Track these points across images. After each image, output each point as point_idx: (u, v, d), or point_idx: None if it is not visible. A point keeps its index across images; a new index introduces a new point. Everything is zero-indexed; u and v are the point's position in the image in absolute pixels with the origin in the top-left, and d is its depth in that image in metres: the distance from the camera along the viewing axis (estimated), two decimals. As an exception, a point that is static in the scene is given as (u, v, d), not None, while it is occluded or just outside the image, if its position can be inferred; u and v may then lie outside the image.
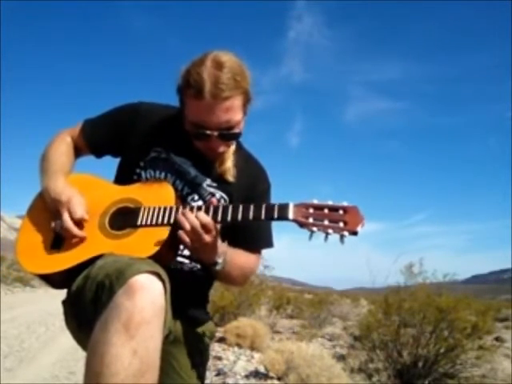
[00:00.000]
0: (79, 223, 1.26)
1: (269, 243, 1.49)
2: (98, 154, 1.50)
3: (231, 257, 1.31)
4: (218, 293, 8.91)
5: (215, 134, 1.27)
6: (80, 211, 1.26)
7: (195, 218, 1.18)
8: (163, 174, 1.36)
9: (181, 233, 1.18)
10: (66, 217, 1.25)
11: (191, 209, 1.21)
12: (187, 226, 1.17)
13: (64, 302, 1.27)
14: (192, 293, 1.39)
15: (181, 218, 1.19)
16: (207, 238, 1.18)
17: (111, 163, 1.50)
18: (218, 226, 1.23)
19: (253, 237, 1.42)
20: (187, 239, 1.18)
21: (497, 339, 9.79)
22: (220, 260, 1.28)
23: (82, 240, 1.25)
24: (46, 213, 1.32)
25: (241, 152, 1.45)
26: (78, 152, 1.49)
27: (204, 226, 1.17)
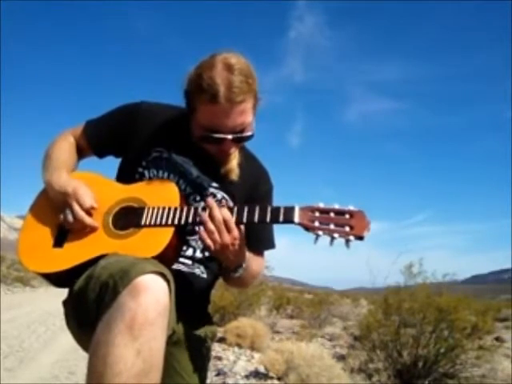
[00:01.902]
0: (90, 213, 1.25)
1: (272, 244, 1.49)
2: (100, 154, 1.49)
3: (249, 263, 1.31)
4: (218, 293, 8.91)
5: (229, 137, 1.27)
6: (89, 200, 1.25)
7: (219, 213, 1.16)
8: (166, 174, 1.36)
9: (203, 234, 1.16)
10: (76, 207, 1.24)
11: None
12: (211, 225, 1.15)
13: (65, 303, 1.26)
14: (193, 293, 1.38)
15: (204, 216, 1.16)
16: (227, 237, 1.16)
17: (113, 163, 1.50)
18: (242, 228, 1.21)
19: (257, 239, 1.41)
20: (206, 236, 1.16)
21: (497, 339, 9.78)
22: (243, 266, 1.28)
23: (88, 233, 1.24)
24: (49, 210, 1.32)
25: (243, 152, 1.44)
26: (80, 153, 1.48)
27: (226, 223, 1.15)
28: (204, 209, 1.20)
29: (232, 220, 1.16)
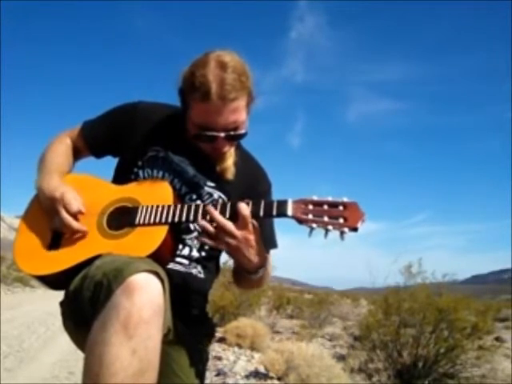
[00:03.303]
0: (77, 218, 1.25)
1: (275, 244, 1.48)
2: (98, 154, 1.49)
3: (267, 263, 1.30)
4: (218, 293, 8.91)
5: (222, 135, 1.27)
6: (76, 205, 1.25)
7: (218, 215, 1.15)
8: (161, 173, 1.36)
9: (205, 239, 1.16)
10: (63, 213, 1.24)
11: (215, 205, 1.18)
12: (211, 228, 1.14)
13: (61, 303, 1.25)
14: (190, 294, 1.38)
15: (203, 223, 1.16)
16: (238, 234, 1.14)
17: (111, 163, 1.50)
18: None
19: (262, 239, 1.39)
20: (212, 242, 1.15)
21: (497, 339, 9.78)
22: (264, 266, 1.26)
23: (82, 235, 1.23)
24: (43, 213, 1.32)
25: (239, 151, 1.44)
26: (78, 153, 1.49)
27: (242, 220, 1.14)
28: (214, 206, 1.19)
29: (250, 216, 1.14)
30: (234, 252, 1.18)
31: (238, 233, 1.15)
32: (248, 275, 1.28)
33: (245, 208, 1.14)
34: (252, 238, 1.17)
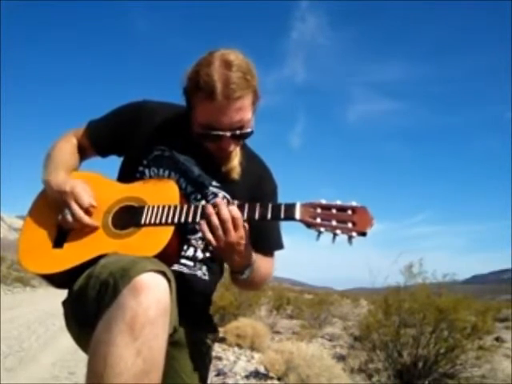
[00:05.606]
0: (89, 212, 1.24)
1: (280, 245, 1.47)
2: (103, 153, 1.49)
3: (257, 264, 1.29)
4: (218, 293, 8.90)
5: (228, 134, 1.26)
6: (87, 198, 1.24)
7: (228, 211, 1.13)
8: (167, 173, 1.35)
9: (204, 228, 1.14)
10: (74, 206, 1.23)
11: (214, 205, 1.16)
12: (215, 220, 1.12)
13: (64, 303, 1.25)
14: (194, 295, 1.37)
15: (209, 209, 1.14)
16: (233, 235, 1.13)
17: (115, 162, 1.51)
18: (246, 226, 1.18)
19: (266, 240, 1.39)
20: (210, 236, 1.13)
21: (497, 339, 9.80)
22: (249, 268, 1.25)
23: (88, 233, 1.23)
24: (48, 211, 1.31)
25: (245, 151, 1.43)
26: (83, 153, 1.48)
27: (234, 221, 1.13)
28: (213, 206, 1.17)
29: (241, 218, 1.14)
30: (222, 249, 1.17)
31: (242, 230, 1.14)
32: (235, 275, 1.29)
33: (236, 210, 1.14)
34: (243, 242, 1.16)
